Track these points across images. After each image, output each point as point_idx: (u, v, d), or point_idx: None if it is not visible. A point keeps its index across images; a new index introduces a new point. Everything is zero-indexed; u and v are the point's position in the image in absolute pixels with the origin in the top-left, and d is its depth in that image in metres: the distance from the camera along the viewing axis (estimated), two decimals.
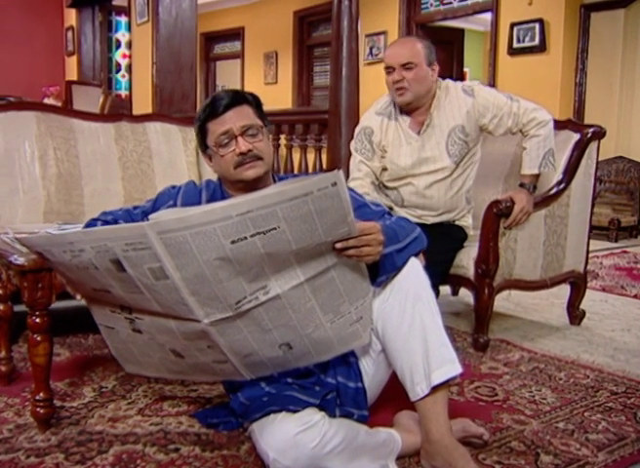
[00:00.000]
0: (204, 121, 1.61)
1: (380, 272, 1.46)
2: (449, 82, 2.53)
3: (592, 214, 2.87)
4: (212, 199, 1.69)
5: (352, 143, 2.59)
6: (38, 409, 1.70)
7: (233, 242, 1.18)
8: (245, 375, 1.49)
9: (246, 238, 1.18)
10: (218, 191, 1.71)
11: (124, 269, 1.24)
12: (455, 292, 3.39)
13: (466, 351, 2.46)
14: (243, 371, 1.47)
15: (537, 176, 2.51)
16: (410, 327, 1.50)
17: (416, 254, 1.58)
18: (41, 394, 1.70)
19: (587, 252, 2.86)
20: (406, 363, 1.51)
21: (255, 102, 1.63)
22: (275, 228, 1.19)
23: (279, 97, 9.33)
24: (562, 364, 2.34)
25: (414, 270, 1.54)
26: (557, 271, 2.72)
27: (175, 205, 1.68)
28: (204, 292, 1.26)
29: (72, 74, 8.43)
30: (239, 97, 1.60)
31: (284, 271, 1.28)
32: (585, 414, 1.90)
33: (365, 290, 1.44)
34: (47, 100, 6.93)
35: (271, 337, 1.39)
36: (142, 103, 6.13)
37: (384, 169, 2.56)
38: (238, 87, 10.23)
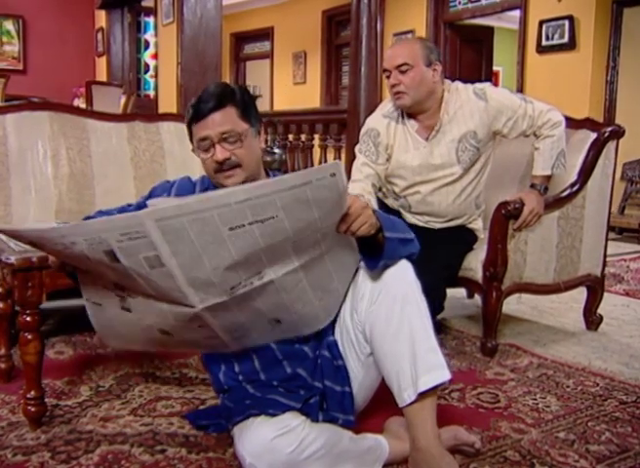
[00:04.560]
0: (189, 122, 1.59)
1: (383, 255, 1.43)
2: (459, 84, 2.43)
3: (610, 215, 2.77)
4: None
5: (357, 146, 2.51)
6: (29, 408, 1.71)
7: (231, 229, 1.19)
8: (231, 347, 1.53)
9: (244, 225, 1.19)
10: (211, 186, 1.70)
11: (117, 260, 1.23)
12: (470, 295, 3.32)
13: (474, 356, 2.40)
14: (230, 344, 1.51)
15: (548, 178, 2.44)
16: (397, 331, 1.46)
17: (408, 257, 1.53)
18: (32, 392, 1.71)
19: (605, 255, 2.77)
20: (393, 367, 1.47)
21: (241, 102, 1.57)
22: (273, 217, 1.19)
23: (308, 96, 9.33)
24: (572, 371, 2.26)
25: (403, 273, 1.50)
26: (572, 275, 2.63)
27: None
28: (200, 279, 1.27)
29: (102, 75, 8.56)
30: (225, 99, 1.54)
31: (280, 258, 1.30)
32: (589, 424, 1.83)
33: (352, 270, 1.53)
34: (76, 101, 7.04)
35: (262, 315, 1.43)
36: (168, 104, 6.18)
37: (390, 176, 2.49)
38: (267, 87, 10.27)
